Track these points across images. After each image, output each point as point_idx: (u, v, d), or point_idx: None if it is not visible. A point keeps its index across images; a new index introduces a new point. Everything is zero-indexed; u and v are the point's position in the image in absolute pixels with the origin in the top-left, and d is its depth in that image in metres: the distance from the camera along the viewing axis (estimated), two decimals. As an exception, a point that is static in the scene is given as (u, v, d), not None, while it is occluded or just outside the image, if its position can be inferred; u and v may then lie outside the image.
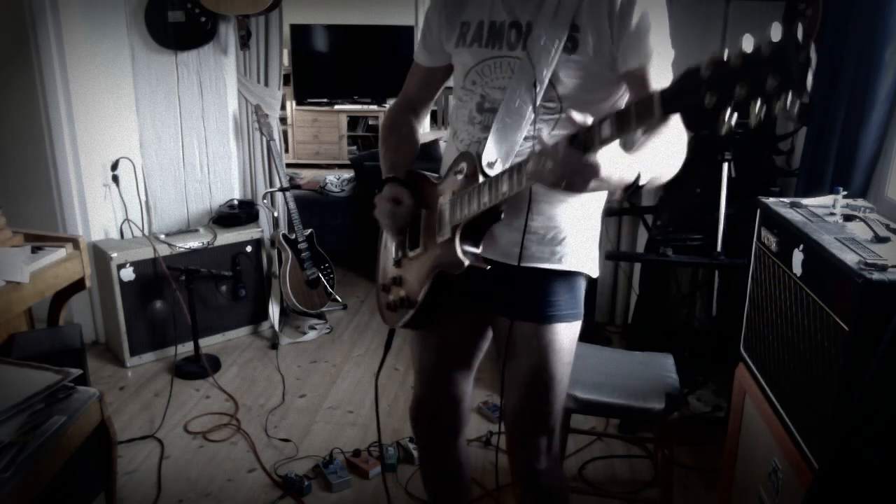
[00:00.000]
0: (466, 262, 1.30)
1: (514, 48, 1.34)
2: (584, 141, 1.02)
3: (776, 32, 0.78)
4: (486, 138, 1.34)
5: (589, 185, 1.05)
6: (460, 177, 1.34)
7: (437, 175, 1.49)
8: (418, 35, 1.54)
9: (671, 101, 0.88)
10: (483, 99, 1.38)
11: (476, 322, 1.58)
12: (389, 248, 1.58)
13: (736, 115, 0.83)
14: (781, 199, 1.76)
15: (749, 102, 0.81)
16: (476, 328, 1.59)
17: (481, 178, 1.28)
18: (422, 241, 1.43)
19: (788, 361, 1.56)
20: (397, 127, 1.59)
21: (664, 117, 0.91)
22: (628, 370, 2.06)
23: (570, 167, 1.03)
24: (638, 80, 1.29)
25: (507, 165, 1.30)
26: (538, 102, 1.31)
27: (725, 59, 0.82)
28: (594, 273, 1.47)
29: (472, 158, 1.33)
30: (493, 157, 1.32)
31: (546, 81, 1.30)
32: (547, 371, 1.44)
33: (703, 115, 0.84)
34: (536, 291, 1.41)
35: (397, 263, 1.51)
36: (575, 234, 1.41)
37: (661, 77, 1.29)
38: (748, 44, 0.80)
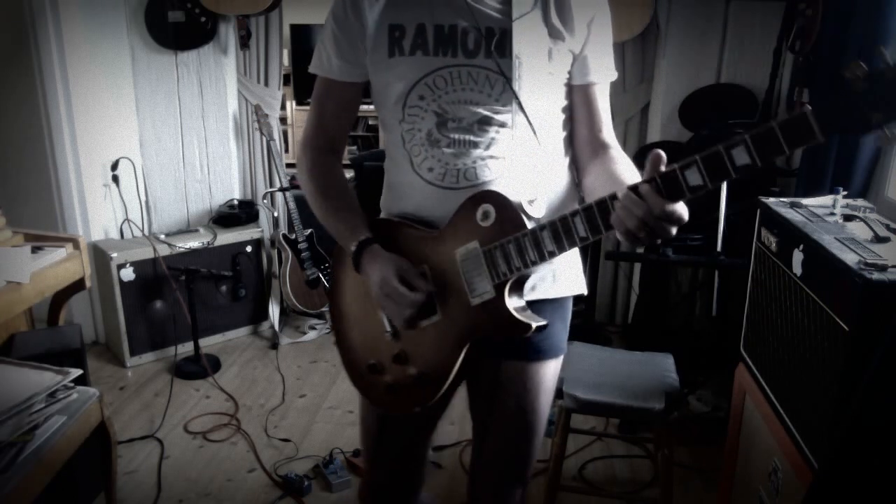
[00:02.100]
0: (534, 325, 1.10)
1: (474, 56, 1.15)
2: (675, 190, 0.92)
3: None
4: (473, 164, 1.17)
5: (671, 235, 0.96)
6: (487, 223, 1.11)
7: (410, 220, 1.24)
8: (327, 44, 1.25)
9: (831, 121, 0.82)
10: (440, 117, 1.17)
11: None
12: (364, 319, 1.29)
13: None
14: (781, 199, 1.76)
15: None
16: (452, 384, 1.25)
17: (529, 224, 1.08)
18: (438, 305, 1.18)
19: (788, 361, 1.56)
20: (330, 174, 1.30)
21: (825, 138, 0.83)
22: (628, 370, 2.06)
23: (657, 217, 0.93)
24: (590, 96, 1.25)
25: (544, 199, 1.17)
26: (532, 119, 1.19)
27: (881, 72, 0.79)
28: (584, 290, 1.34)
29: (501, 200, 1.11)
30: (533, 196, 1.14)
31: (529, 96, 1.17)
32: (534, 412, 1.31)
33: (866, 131, 0.82)
34: None
35: (395, 336, 1.24)
36: (561, 256, 1.21)
37: (603, 96, 1.27)
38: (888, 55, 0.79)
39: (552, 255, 1.05)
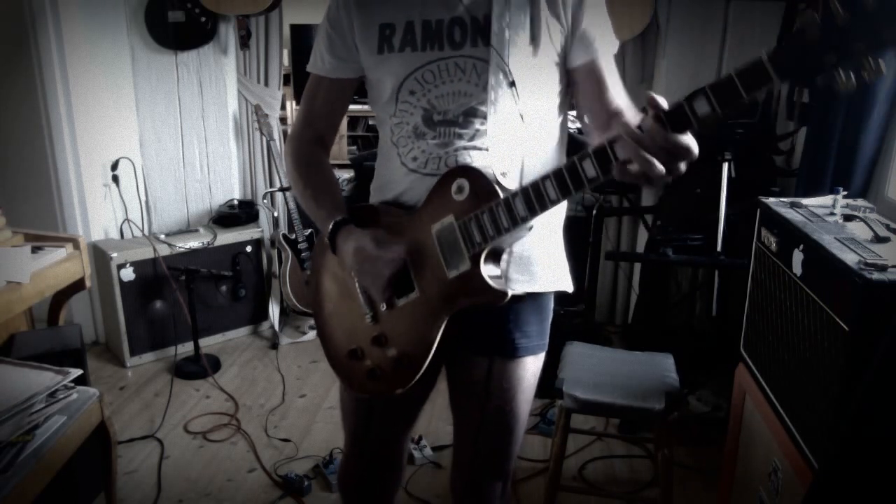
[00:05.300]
0: (510, 292, 1.11)
1: (461, 47, 1.17)
2: (680, 120, 0.91)
3: None
4: (455, 152, 1.19)
5: (682, 170, 0.94)
6: (461, 197, 1.13)
7: (386, 203, 1.28)
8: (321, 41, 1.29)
9: (786, 65, 0.84)
10: (428, 111, 1.20)
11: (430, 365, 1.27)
12: (343, 306, 1.31)
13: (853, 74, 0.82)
14: (781, 199, 1.76)
15: (866, 57, 0.80)
16: (430, 372, 1.25)
17: (502, 193, 1.09)
18: (416, 282, 1.19)
19: (788, 361, 1.56)
20: (314, 162, 1.32)
21: (781, 82, 0.85)
22: (628, 370, 2.06)
23: (666, 151, 0.91)
24: (596, 70, 1.22)
25: (519, 174, 1.19)
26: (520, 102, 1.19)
27: (832, 17, 0.80)
28: (570, 287, 1.34)
29: (475, 172, 1.13)
30: (505, 168, 1.16)
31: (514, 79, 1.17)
32: (513, 412, 1.32)
33: (821, 74, 0.83)
34: (504, 320, 1.27)
35: (374, 319, 1.25)
36: (544, 249, 1.28)
37: (609, 67, 1.24)
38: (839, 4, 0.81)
39: (524, 220, 1.07)
